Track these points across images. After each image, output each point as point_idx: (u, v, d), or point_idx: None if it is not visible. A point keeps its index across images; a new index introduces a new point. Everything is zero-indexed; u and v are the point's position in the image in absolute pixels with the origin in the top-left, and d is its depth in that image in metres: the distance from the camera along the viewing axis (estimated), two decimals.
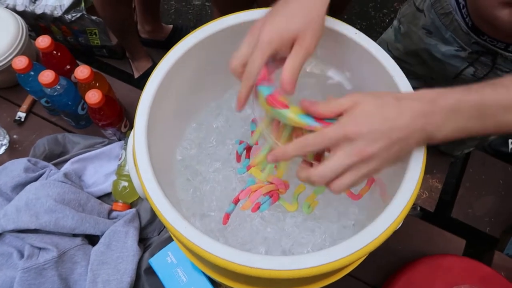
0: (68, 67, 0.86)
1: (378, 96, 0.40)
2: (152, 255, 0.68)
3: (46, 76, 0.76)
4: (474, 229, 1.11)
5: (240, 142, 0.58)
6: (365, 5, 1.86)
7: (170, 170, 0.57)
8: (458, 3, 0.73)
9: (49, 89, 0.78)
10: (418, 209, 0.75)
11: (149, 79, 0.48)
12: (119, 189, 0.77)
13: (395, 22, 0.94)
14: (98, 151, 0.82)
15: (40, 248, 0.66)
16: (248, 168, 0.57)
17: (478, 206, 1.13)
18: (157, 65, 0.49)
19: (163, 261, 0.66)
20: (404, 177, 0.43)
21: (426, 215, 1.14)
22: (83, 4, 1.23)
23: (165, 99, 0.50)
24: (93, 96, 0.75)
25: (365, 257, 0.53)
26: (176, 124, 0.57)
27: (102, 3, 1.15)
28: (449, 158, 1.18)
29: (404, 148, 0.40)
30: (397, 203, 0.42)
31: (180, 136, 0.60)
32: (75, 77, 0.79)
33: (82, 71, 0.77)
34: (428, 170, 1.16)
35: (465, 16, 0.73)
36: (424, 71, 0.91)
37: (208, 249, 0.39)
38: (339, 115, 0.40)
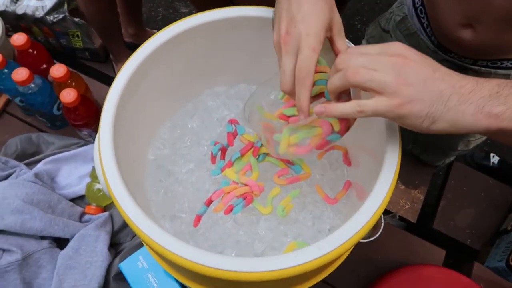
0: (44, 66, 0.84)
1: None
2: (122, 260, 0.65)
3: (20, 73, 0.74)
4: (455, 241, 1.11)
5: (215, 143, 0.57)
6: (352, 18, 1.88)
7: (141, 169, 0.55)
8: (421, 23, 0.75)
9: (22, 87, 0.75)
10: (397, 217, 0.74)
11: (117, 75, 0.46)
12: (93, 192, 0.74)
13: (363, 43, 0.95)
14: (72, 152, 0.80)
15: (3, 250, 0.63)
16: (223, 169, 0.55)
17: (460, 218, 1.13)
18: (127, 61, 0.47)
19: (134, 266, 0.63)
20: (379, 178, 0.42)
21: (408, 226, 1.13)
22: (66, 6, 1.21)
23: (135, 98, 0.48)
24: (68, 95, 0.73)
25: (339, 261, 0.51)
26: (148, 124, 0.56)
27: (88, 7, 1.13)
28: (431, 169, 1.18)
29: (433, 94, 0.38)
30: (370, 204, 0.40)
31: (153, 136, 0.58)
32: (51, 76, 0.77)
33: (58, 70, 0.75)
34: (410, 181, 1.16)
35: (430, 35, 0.74)
36: None
37: (172, 249, 0.37)
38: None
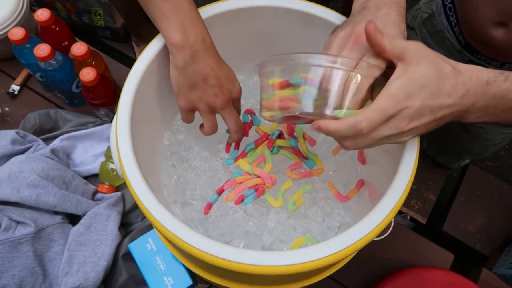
0: (66, 43, 0.84)
1: (439, 59, 0.37)
2: (132, 240, 0.66)
3: (42, 49, 0.74)
4: (465, 245, 1.10)
5: (248, 111, 0.56)
6: None
7: (156, 154, 0.55)
8: (449, 22, 0.73)
9: (44, 63, 0.76)
10: (408, 218, 0.73)
11: (138, 57, 0.46)
12: (107, 171, 0.75)
13: None
14: (89, 130, 0.81)
15: (18, 222, 0.64)
16: (236, 159, 0.55)
17: (471, 222, 1.12)
18: (149, 43, 0.47)
19: (143, 248, 0.64)
20: (394, 180, 0.41)
21: (418, 226, 1.12)
22: None
23: (155, 80, 0.48)
24: (88, 74, 0.73)
25: (347, 259, 0.51)
26: (166, 108, 0.56)
27: None
28: (445, 171, 1.17)
29: (440, 123, 0.38)
30: (383, 207, 0.40)
31: (170, 121, 0.58)
32: (71, 54, 0.77)
33: (79, 48, 0.76)
34: (423, 181, 1.14)
35: (457, 34, 0.72)
36: None
37: (181, 236, 0.37)
38: (395, 59, 0.37)
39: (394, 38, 0.39)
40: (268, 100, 0.42)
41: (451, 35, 0.73)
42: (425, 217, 1.11)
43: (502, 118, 0.40)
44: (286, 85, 0.44)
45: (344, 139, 0.37)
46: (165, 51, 0.49)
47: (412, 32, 0.81)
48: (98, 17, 1.27)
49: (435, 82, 0.35)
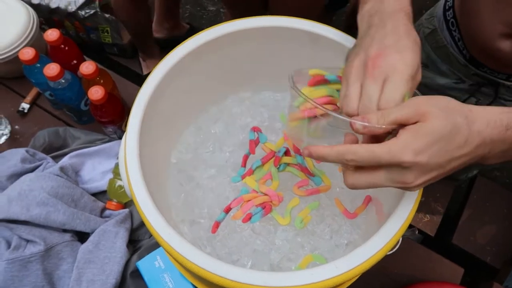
0: (75, 62, 0.86)
1: (448, 111, 0.34)
2: (140, 258, 0.66)
3: (51, 69, 0.76)
4: (475, 257, 1.09)
5: (253, 129, 0.57)
6: None
7: (163, 172, 0.56)
8: (452, 37, 0.72)
9: (53, 82, 0.78)
10: (417, 232, 0.73)
11: (147, 78, 0.47)
12: (115, 188, 0.76)
13: None
14: (97, 147, 0.82)
15: (27, 241, 0.65)
16: (243, 177, 0.56)
17: (480, 234, 1.11)
18: (156, 66, 0.48)
19: (151, 265, 0.64)
20: (402, 198, 0.42)
21: (426, 239, 1.11)
22: (97, 1, 1.23)
23: (162, 100, 0.49)
24: (96, 93, 0.74)
25: (356, 278, 0.51)
26: (173, 127, 0.56)
27: (121, 9, 1.16)
28: (453, 182, 1.16)
29: (452, 172, 0.36)
30: (391, 225, 0.40)
31: (177, 139, 0.59)
32: (80, 73, 0.79)
33: (88, 67, 0.77)
34: (431, 193, 1.14)
35: (461, 48, 0.71)
36: None
37: (189, 257, 0.37)
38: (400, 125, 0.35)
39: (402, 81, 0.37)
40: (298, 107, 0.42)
41: (455, 49, 0.73)
42: (434, 229, 1.10)
43: None
44: (321, 81, 0.44)
45: (344, 173, 0.37)
46: (172, 72, 0.50)
47: None
48: (106, 34, 1.30)
49: (445, 137, 0.33)
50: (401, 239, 0.71)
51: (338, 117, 0.37)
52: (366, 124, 0.35)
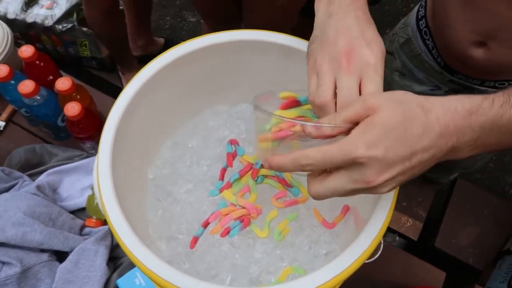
0: (51, 77, 0.85)
1: (401, 101, 0.33)
2: (120, 275, 0.65)
3: (26, 86, 0.74)
4: (457, 260, 1.10)
5: (230, 141, 0.57)
6: None
7: (140, 189, 0.55)
8: (426, 45, 0.74)
9: (28, 99, 0.76)
10: (397, 238, 0.73)
11: (120, 95, 0.47)
12: (94, 204, 0.75)
13: None
14: (75, 164, 0.80)
15: (3, 263, 0.63)
16: (221, 190, 0.55)
17: (462, 237, 1.12)
18: (129, 82, 0.48)
19: (131, 283, 0.63)
20: (377, 204, 0.42)
21: (410, 244, 1.12)
22: (75, 15, 1.23)
23: (136, 116, 0.49)
24: (72, 109, 0.73)
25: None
26: (149, 142, 0.56)
27: (95, 22, 1.15)
28: (434, 186, 1.18)
29: (422, 169, 0.34)
30: (366, 234, 0.40)
31: (154, 155, 0.58)
32: (56, 89, 0.78)
33: (63, 83, 0.76)
34: (413, 198, 1.15)
35: (436, 56, 0.73)
36: None
37: (166, 277, 0.37)
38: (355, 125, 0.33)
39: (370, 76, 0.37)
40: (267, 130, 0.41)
41: (430, 58, 0.74)
42: (417, 234, 1.11)
43: (500, 146, 0.36)
44: (293, 103, 0.44)
45: (308, 183, 0.36)
46: (146, 87, 0.49)
47: (390, 57, 0.83)
48: (84, 48, 1.29)
49: (400, 126, 0.31)
50: (382, 245, 0.71)
51: (306, 125, 0.36)
52: (318, 125, 0.34)
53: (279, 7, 1.01)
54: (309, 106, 0.44)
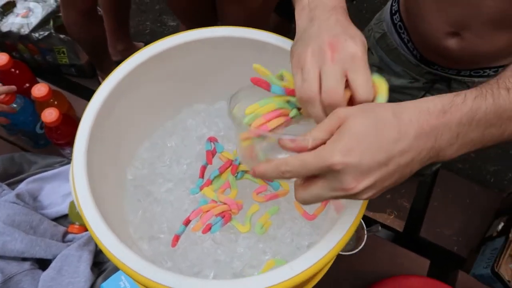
0: (27, 85, 0.84)
1: (371, 110, 0.33)
2: (105, 279, 0.65)
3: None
4: (442, 248, 1.12)
5: (209, 139, 0.57)
6: None
7: (120, 190, 0.55)
8: (402, 39, 0.75)
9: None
10: (379, 228, 0.74)
11: (92, 96, 0.46)
12: (76, 211, 0.74)
13: None
14: (56, 170, 0.80)
15: None
16: (201, 188, 0.56)
17: (446, 226, 1.14)
18: (103, 83, 0.48)
19: (116, 286, 0.63)
20: None
21: (396, 235, 1.14)
22: (51, 23, 1.21)
23: (111, 119, 0.49)
24: (50, 115, 0.73)
25: (319, 276, 0.51)
26: (127, 143, 0.56)
27: (73, 25, 1.14)
28: (417, 177, 1.19)
29: (405, 173, 0.34)
30: (343, 222, 0.41)
31: (132, 155, 0.58)
32: (33, 96, 0.77)
33: (40, 89, 0.76)
34: (396, 189, 1.17)
35: (412, 49, 0.74)
36: None
37: (146, 274, 0.37)
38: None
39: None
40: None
41: (406, 51, 0.76)
42: (402, 225, 1.13)
43: (486, 141, 0.35)
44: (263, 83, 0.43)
45: (294, 190, 0.36)
46: (121, 87, 0.49)
47: (368, 53, 0.84)
48: (62, 55, 1.28)
49: (371, 131, 0.31)
50: (366, 236, 0.72)
51: (282, 138, 0.36)
52: (293, 138, 0.34)
53: (252, 8, 1.02)
54: (287, 97, 0.44)
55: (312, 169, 0.32)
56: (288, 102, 0.45)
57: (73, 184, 0.41)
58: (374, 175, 0.32)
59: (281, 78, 0.46)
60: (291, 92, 0.43)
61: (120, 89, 0.49)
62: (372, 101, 0.37)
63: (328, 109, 0.36)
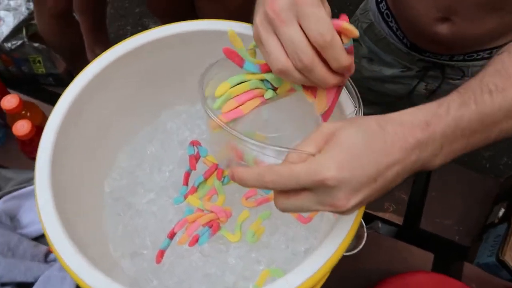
0: None
1: (358, 123, 0.32)
2: None
3: None
4: (444, 239, 1.09)
5: (192, 142, 0.53)
6: None
7: (97, 205, 0.51)
8: (390, 28, 0.73)
9: None
10: (380, 225, 0.71)
11: (56, 103, 0.42)
12: None
13: None
14: (33, 186, 0.75)
15: None
16: (186, 196, 0.51)
17: (446, 215, 1.11)
18: (68, 86, 0.43)
19: None
20: None
21: (396, 229, 1.11)
22: (24, 32, 1.16)
23: (82, 123, 0.44)
24: (22, 127, 0.68)
25: (321, 282, 0.48)
26: (102, 152, 0.51)
27: (48, 31, 1.09)
28: None
29: (391, 186, 0.33)
30: (340, 226, 0.37)
31: (109, 166, 0.54)
32: (3, 108, 0.72)
33: (10, 101, 0.71)
34: None
35: (401, 38, 0.72)
36: (376, 97, 0.89)
37: None
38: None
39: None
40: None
41: (395, 40, 0.73)
42: (401, 218, 1.10)
43: (471, 147, 0.35)
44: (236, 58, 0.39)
45: (275, 196, 0.33)
46: (90, 89, 0.45)
47: (356, 44, 0.81)
48: (38, 64, 1.23)
49: (360, 145, 0.31)
50: (366, 234, 0.69)
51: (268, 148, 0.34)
52: (278, 148, 0.33)
53: (232, 7, 0.99)
54: (261, 75, 0.40)
55: (302, 183, 0.31)
56: (262, 80, 0.41)
57: (36, 202, 0.37)
58: (363, 192, 0.31)
59: (254, 52, 0.42)
60: (267, 68, 0.39)
61: (90, 92, 0.45)
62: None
63: (305, 72, 0.34)
